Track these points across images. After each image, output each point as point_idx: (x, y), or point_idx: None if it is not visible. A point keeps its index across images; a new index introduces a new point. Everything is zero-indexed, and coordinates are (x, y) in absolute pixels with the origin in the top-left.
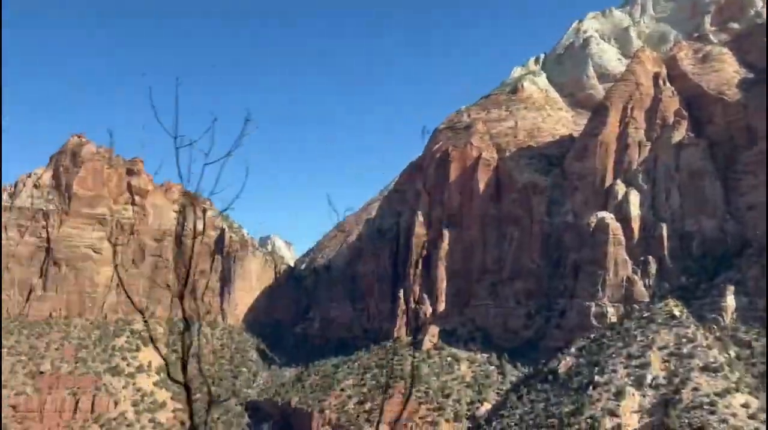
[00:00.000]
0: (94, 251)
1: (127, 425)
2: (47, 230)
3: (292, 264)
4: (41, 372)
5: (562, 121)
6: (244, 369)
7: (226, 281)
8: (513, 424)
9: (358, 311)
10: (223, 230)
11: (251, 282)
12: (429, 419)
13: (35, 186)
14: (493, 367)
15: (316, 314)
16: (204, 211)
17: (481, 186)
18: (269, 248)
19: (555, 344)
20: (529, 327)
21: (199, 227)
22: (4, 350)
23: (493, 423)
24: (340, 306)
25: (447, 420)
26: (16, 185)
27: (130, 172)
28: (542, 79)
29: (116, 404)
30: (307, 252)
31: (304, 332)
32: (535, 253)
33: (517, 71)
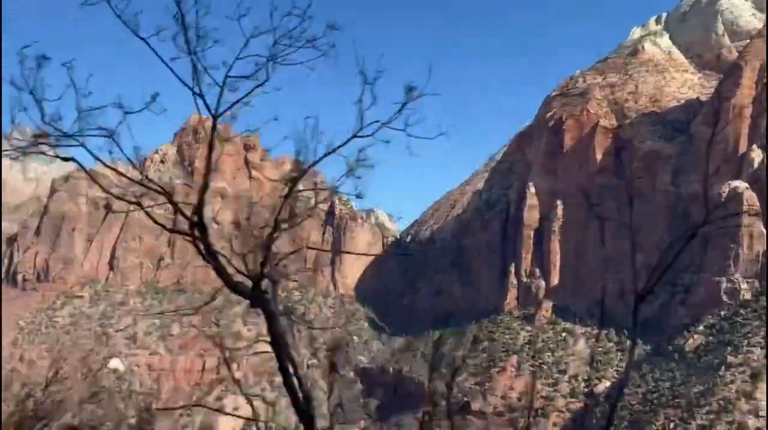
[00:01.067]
0: (215, 223)
1: (249, 387)
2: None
3: (396, 236)
4: (171, 335)
5: (687, 83)
6: (356, 337)
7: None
8: (636, 402)
9: (465, 284)
10: (333, 203)
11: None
12: (543, 394)
13: (162, 161)
14: (611, 343)
15: (423, 285)
16: (315, 184)
17: (599, 155)
18: (373, 220)
19: (680, 321)
20: (651, 303)
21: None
22: (140, 313)
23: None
24: (447, 278)
25: (563, 396)
26: (145, 161)
27: (246, 147)
28: (665, 40)
29: (238, 366)
30: (412, 224)
31: (411, 303)
32: (658, 224)
33: (636, 32)
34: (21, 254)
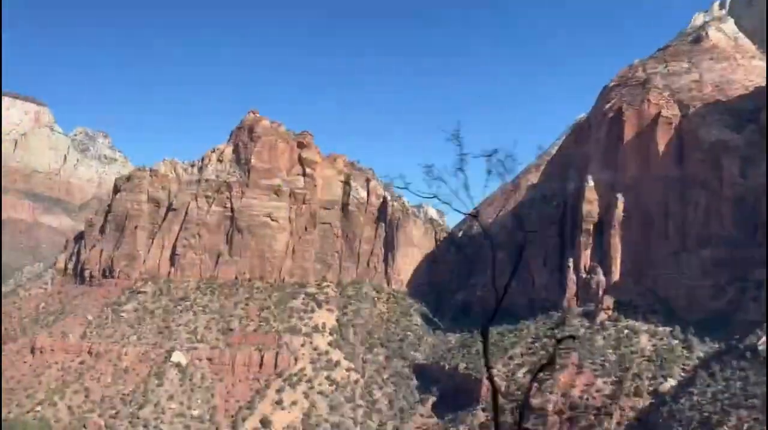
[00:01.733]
0: (272, 220)
1: (307, 381)
2: (231, 201)
3: (447, 231)
4: (230, 329)
5: (755, 71)
6: (410, 333)
7: (389, 247)
8: (705, 402)
9: (521, 280)
10: (385, 199)
11: (413, 248)
12: (606, 393)
13: (219, 160)
14: (677, 341)
15: (477, 281)
16: (367, 180)
17: (661, 147)
18: (422, 216)
19: (751, 318)
20: (718, 299)
21: (364, 196)
22: (200, 308)
23: (681, 400)
24: (502, 274)
25: (626, 394)
26: (203, 160)
27: (300, 145)
28: (729, 25)
29: (296, 360)
30: (463, 220)
31: (466, 299)
32: (726, 218)
33: (699, 18)
34: (87, 251)
